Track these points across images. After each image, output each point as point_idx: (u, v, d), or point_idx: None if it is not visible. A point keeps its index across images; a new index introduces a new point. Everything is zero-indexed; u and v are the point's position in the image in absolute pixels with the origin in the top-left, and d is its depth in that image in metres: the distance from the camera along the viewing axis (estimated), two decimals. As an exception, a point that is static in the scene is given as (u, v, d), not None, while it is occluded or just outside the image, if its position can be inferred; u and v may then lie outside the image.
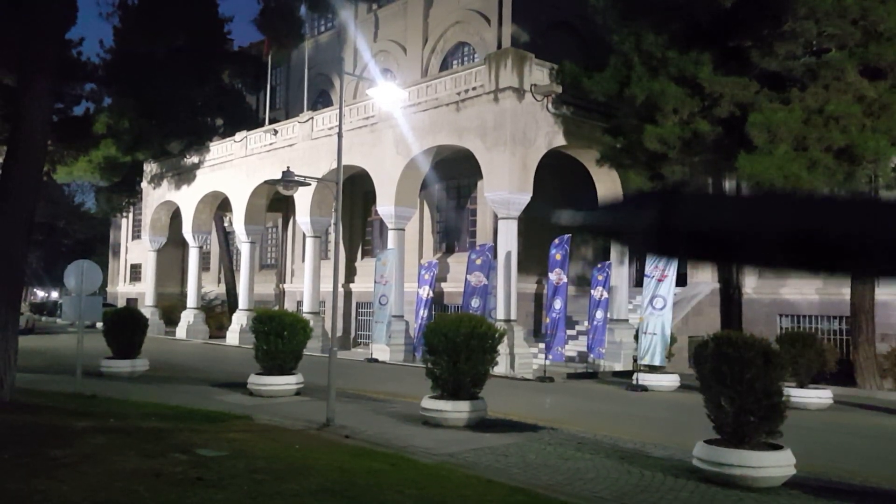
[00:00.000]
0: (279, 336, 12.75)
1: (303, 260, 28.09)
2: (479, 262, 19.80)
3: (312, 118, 25.38)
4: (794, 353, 13.20)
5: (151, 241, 33.64)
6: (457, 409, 10.15)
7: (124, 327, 15.69)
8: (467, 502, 6.39)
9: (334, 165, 12.89)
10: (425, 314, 20.78)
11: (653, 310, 16.25)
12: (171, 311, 33.15)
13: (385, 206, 21.96)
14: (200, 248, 31.73)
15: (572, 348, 20.33)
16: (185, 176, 31.42)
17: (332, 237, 27.24)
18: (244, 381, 13.21)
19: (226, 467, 7.18)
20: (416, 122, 20.91)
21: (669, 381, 16.00)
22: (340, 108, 12.71)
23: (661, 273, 16.29)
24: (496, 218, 20.12)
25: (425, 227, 26.09)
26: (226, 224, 33.89)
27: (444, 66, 26.99)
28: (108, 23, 39.19)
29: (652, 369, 16.20)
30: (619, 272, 21.08)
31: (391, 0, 29.87)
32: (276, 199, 29.01)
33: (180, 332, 30.33)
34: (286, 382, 12.92)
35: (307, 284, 25.17)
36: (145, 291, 34.29)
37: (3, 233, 10.64)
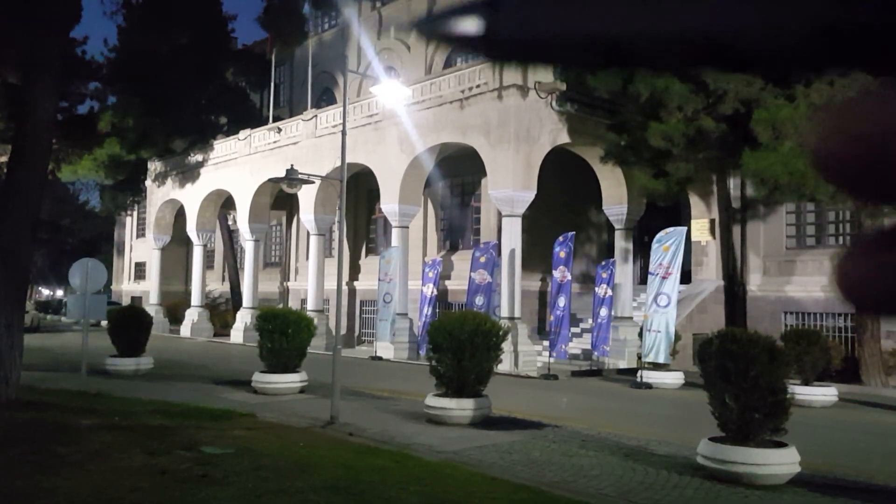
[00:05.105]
0: (283, 334, 12.78)
1: (307, 258, 28.10)
2: (483, 259, 19.79)
3: (316, 116, 25.38)
4: (799, 351, 13.14)
5: (156, 239, 33.72)
6: (461, 407, 10.16)
7: (129, 325, 15.74)
8: (472, 499, 6.39)
9: (338, 163, 12.90)
10: (429, 312, 20.79)
11: (657, 307, 16.22)
12: (175, 310, 33.22)
13: (389, 204, 21.95)
14: (204, 246, 31.79)
15: (576, 346, 20.31)
16: (189, 174, 31.46)
17: (335, 235, 27.25)
18: (248, 378, 13.24)
19: (231, 465, 7.20)
20: (419, 119, 20.90)
21: (674, 378, 15.98)
22: (344, 106, 12.72)
23: (666, 271, 16.27)
24: (500, 215, 20.10)
25: (429, 224, 26.08)
26: (230, 222, 33.95)
27: (448, 63, 26.95)
28: (112, 21, 39.26)
29: (656, 367, 16.19)
30: (624, 270, 21.08)
31: (395, -2, 29.86)
32: (280, 197, 29.03)
33: (185, 330, 30.39)
34: (290, 380, 12.95)
35: (311, 282, 25.19)
36: (150, 289, 34.37)
37: (9, 231, 10.67)
